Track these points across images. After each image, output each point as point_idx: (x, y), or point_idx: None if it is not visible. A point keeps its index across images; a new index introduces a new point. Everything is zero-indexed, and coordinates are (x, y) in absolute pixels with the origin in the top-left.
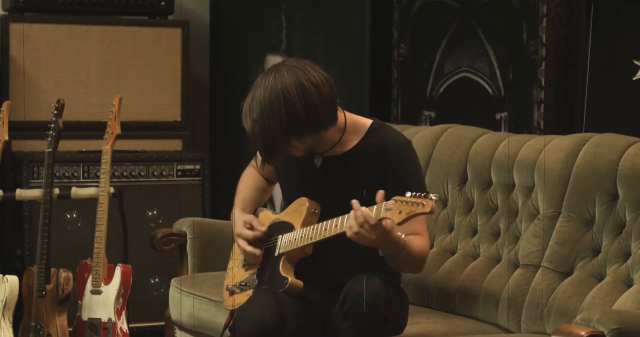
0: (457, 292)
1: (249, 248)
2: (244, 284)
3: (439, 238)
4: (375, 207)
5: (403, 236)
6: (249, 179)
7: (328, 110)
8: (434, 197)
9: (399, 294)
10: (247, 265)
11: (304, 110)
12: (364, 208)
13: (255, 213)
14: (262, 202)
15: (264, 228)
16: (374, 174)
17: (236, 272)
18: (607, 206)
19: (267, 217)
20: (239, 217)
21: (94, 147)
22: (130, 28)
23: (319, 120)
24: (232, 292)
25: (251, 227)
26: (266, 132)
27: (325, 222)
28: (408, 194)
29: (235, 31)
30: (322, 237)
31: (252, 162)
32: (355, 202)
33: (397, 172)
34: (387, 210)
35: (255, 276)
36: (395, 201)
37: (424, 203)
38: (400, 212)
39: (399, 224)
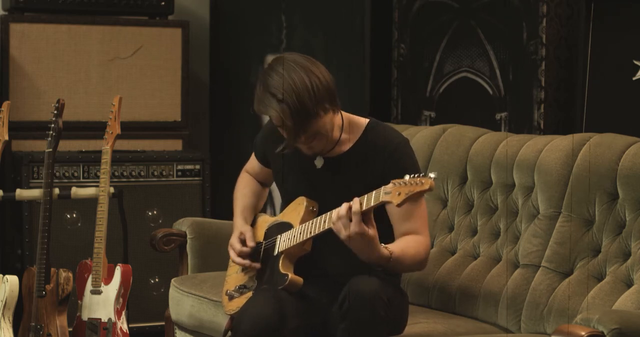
0: (457, 292)
1: (238, 260)
2: (243, 286)
3: (439, 238)
4: (374, 192)
5: (392, 254)
6: (246, 186)
7: (333, 86)
8: (432, 175)
9: (399, 294)
10: (246, 269)
11: (322, 75)
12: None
13: (254, 218)
14: (260, 207)
15: (252, 244)
16: (372, 173)
17: (235, 277)
18: (607, 206)
19: (265, 220)
20: (237, 227)
21: (94, 147)
22: (130, 28)
23: (333, 90)
24: (231, 297)
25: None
26: (297, 105)
27: (323, 216)
28: (407, 177)
29: (235, 31)
30: (320, 230)
31: (246, 167)
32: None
33: (394, 170)
34: (386, 193)
35: (254, 278)
36: (394, 184)
37: (423, 181)
38: (399, 194)
39: (399, 205)
